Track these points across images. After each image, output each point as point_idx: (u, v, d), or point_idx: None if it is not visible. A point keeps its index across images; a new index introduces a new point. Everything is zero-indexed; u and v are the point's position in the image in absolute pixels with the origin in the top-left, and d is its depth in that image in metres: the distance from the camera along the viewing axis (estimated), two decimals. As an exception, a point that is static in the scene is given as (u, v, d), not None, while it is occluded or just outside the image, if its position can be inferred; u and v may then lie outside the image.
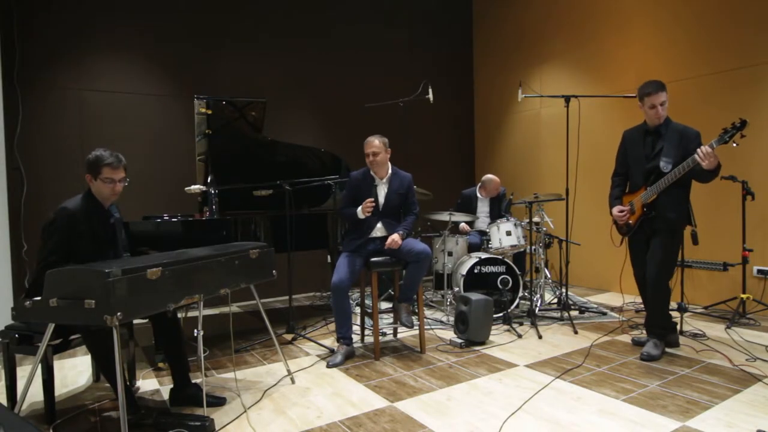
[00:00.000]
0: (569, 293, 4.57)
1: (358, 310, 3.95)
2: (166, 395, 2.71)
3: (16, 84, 4.24)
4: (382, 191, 3.46)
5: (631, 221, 3.30)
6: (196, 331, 2.20)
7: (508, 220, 4.47)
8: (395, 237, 3.34)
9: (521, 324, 4.04)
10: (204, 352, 2.75)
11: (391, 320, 3.95)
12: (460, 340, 3.56)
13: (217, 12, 5.20)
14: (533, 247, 4.64)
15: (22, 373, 2.85)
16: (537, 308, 4.32)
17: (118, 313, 1.79)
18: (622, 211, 3.32)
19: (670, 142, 3.09)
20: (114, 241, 2.63)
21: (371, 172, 3.46)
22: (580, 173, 4.44)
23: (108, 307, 1.79)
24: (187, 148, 4.38)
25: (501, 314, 4.10)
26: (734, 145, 2.85)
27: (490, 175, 5.07)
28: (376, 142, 3.40)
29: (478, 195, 5.11)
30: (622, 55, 5.20)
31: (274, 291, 5.29)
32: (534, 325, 3.89)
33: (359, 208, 3.36)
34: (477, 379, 2.92)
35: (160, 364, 3.16)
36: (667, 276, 3.16)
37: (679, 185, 3.04)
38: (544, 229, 4.65)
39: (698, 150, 2.86)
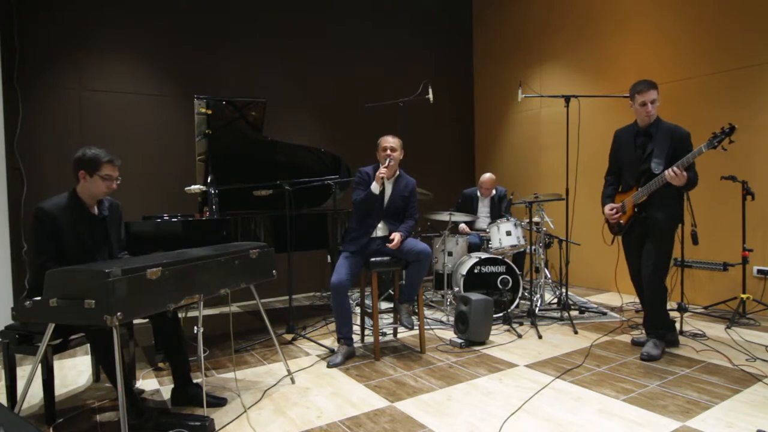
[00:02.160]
0: (569, 293, 4.57)
1: (358, 310, 3.95)
2: (166, 395, 2.71)
3: (16, 84, 4.24)
4: (387, 191, 3.46)
5: (622, 221, 3.32)
6: (196, 328, 2.20)
7: (508, 220, 4.47)
8: (397, 236, 3.34)
9: (521, 324, 4.04)
10: (204, 352, 2.75)
11: (391, 320, 3.95)
12: (460, 340, 3.56)
13: (217, 12, 5.20)
14: (533, 247, 4.64)
15: (22, 373, 2.86)
16: (537, 308, 4.32)
17: (118, 313, 1.79)
18: (613, 210, 3.34)
19: (660, 142, 3.11)
20: (104, 240, 2.60)
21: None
22: (580, 173, 4.44)
23: (108, 307, 1.78)
24: (187, 148, 4.38)
25: (501, 314, 4.10)
26: (722, 150, 2.85)
27: (485, 174, 5.08)
28: (393, 139, 3.43)
29: (479, 195, 5.11)
30: (622, 55, 5.20)
31: (274, 291, 5.29)
32: (534, 325, 3.88)
33: (373, 183, 3.34)
34: (477, 379, 2.92)
35: (161, 364, 3.16)
36: (662, 275, 3.17)
37: (669, 186, 3.04)
38: (544, 229, 4.65)
39: (667, 171, 2.96)
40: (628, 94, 3.27)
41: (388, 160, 3.35)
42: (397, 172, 3.51)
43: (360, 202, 3.41)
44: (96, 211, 2.59)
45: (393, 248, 3.33)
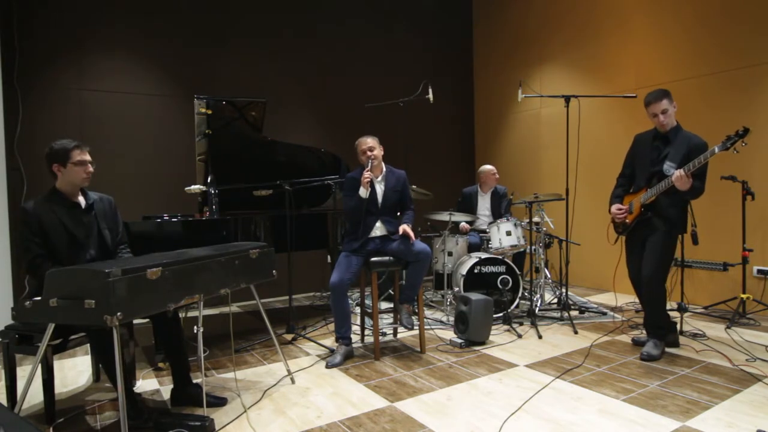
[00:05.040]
0: (569, 293, 4.57)
1: (358, 310, 3.95)
2: (166, 395, 2.71)
3: (16, 84, 4.24)
4: (379, 190, 3.46)
5: (628, 220, 3.33)
6: (196, 328, 2.20)
7: (508, 220, 4.47)
8: (406, 227, 3.35)
9: (521, 324, 4.04)
10: (204, 352, 2.75)
11: (391, 320, 3.95)
12: (460, 340, 3.56)
13: (217, 12, 5.20)
14: (533, 247, 4.64)
15: (22, 373, 2.86)
16: (537, 308, 4.32)
17: (118, 313, 1.79)
18: (620, 209, 3.35)
19: (676, 148, 3.12)
20: (94, 230, 2.61)
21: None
22: (580, 173, 4.44)
23: (108, 307, 1.78)
24: (187, 148, 4.38)
25: (501, 314, 4.10)
26: (735, 152, 2.86)
27: (483, 166, 5.07)
28: (368, 140, 3.40)
29: (479, 191, 5.10)
30: (622, 55, 5.20)
31: (274, 291, 5.29)
32: (534, 325, 3.88)
33: (360, 188, 3.32)
34: (477, 379, 2.92)
35: (161, 364, 3.15)
36: (661, 276, 3.17)
37: (678, 190, 3.05)
38: (544, 229, 4.64)
39: (675, 171, 2.97)
40: (628, 95, 3.29)
41: (369, 162, 3.33)
42: (384, 169, 3.50)
43: (351, 209, 3.40)
44: (81, 201, 2.60)
45: (411, 240, 3.32)
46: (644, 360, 3.14)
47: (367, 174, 3.28)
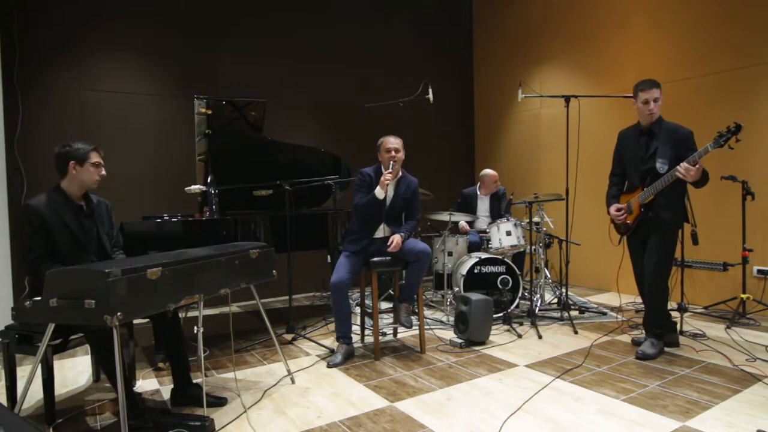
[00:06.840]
0: (569, 293, 4.57)
1: (358, 310, 3.95)
2: (166, 395, 2.71)
3: (16, 84, 4.24)
4: (389, 193, 3.43)
5: (629, 221, 3.32)
6: (196, 328, 2.20)
7: (508, 220, 4.47)
8: (397, 238, 3.31)
9: (521, 324, 4.04)
10: (204, 352, 2.75)
11: (391, 320, 3.95)
12: (460, 340, 3.56)
13: (217, 12, 5.20)
14: (533, 247, 4.64)
15: (22, 373, 2.86)
16: (537, 308, 4.32)
17: (118, 313, 1.79)
18: (619, 210, 3.34)
19: (663, 142, 3.11)
20: (93, 233, 2.62)
21: (383, 171, 3.44)
22: (580, 173, 4.44)
23: (108, 307, 1.78)
24: (187, 148, 4.38)
25: (501, 314, 4.10)
26: (729, 148, 2.85)
27: (487, 170, 5.08)
28: (393, 140, 3.38)
29: (479, 193, 5.10)
30: (621, 55, 5.21)
31: (274, 291, 5.29)
32: (534, 325, 3.88)
33: (377, 188, 3.30)
34: (477, 379, 2.92)
35: (161, 364, 3.15)
36: (664, 274, 3.17)
37: (675, 185, 3.05)
38: (544, 229, 4.65)
39: (678, 167, 2.95)
40: (628, 94, 3.28)
41: (391, 163, 3.30)
42: (400, 173, 3.48)
43: (362, 207, 3.36)
44: (83, 204, 2.61)
45: (393, 251, 3.30)
46: (639, 359, 3.14)
47: (387, 175, 3.25)
